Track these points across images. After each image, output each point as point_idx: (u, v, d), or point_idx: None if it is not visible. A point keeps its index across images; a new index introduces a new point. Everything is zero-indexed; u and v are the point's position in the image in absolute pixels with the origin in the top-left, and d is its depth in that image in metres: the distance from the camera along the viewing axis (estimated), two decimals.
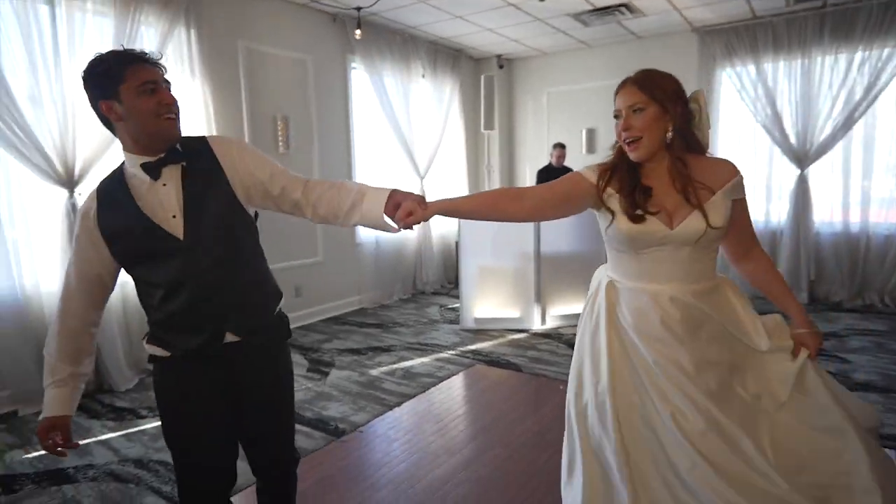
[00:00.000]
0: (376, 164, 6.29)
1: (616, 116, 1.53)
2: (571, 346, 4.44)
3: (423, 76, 6.63)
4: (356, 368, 4.18)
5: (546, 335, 4.90)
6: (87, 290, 1.53)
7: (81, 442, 3.03)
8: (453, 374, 4.02)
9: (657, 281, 1.52)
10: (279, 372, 1.69)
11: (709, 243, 1.51)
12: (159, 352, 1.55)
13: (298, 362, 4.31)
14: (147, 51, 1.48)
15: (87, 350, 1.58)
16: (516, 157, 7.94)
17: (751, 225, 1.61)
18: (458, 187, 7.23)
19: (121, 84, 1.41)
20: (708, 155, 1.56)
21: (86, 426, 3.27)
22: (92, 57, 1.44)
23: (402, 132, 6.29)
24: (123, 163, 1.53)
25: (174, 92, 1.51)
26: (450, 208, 1.60)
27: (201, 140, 1.57)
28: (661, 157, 1.51)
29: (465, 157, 7.42)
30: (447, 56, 6.97)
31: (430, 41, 6.66)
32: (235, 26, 4.72)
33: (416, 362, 4.29)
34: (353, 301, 6.05)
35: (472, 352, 4.50)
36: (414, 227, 1.56)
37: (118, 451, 2.96)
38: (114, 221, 1.47)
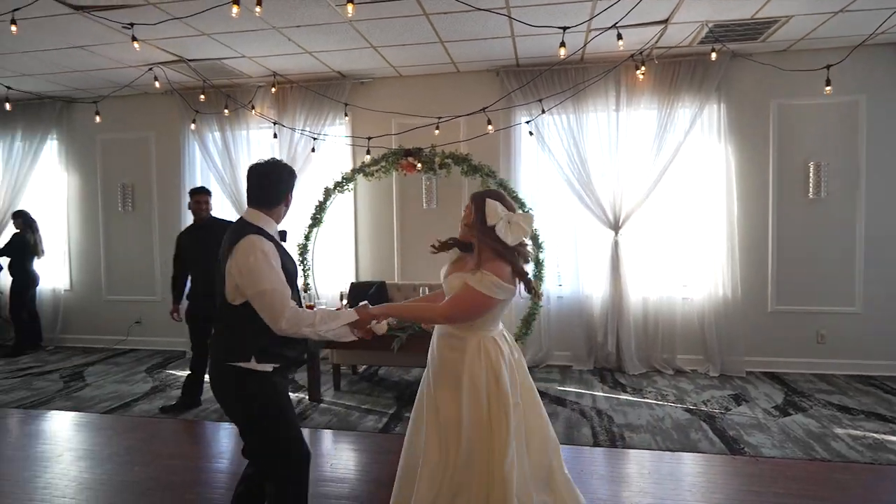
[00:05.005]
0: None
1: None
2: None
3: None
4: (824, 421, 4.05)
5: None
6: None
7: (587, 391, 4.78)
8: None
9: None
10: None
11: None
12: (269, 367, 2.10)
13: (772, 395, 4.56)
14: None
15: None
16: None
17: (454, 298, 2.23)
18: None
19: (293, 189, 2.27)
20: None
21: (598, 386, 5.01)
22: (286, 165, 2.26)
23: None
24: (260, 227, 2.14)
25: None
26: None
27: None
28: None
29: None
30: None
31: None
32: (767, 89, 5.27)
33: None
34: None
35: None
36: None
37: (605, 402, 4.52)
38: (284, 260, 2.16)
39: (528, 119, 5.36)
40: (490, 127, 5.06)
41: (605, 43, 4.61)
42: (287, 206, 2.28)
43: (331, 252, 6.07)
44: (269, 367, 2.11)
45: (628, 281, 5.45)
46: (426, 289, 4.13)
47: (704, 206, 5.38)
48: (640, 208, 5.39)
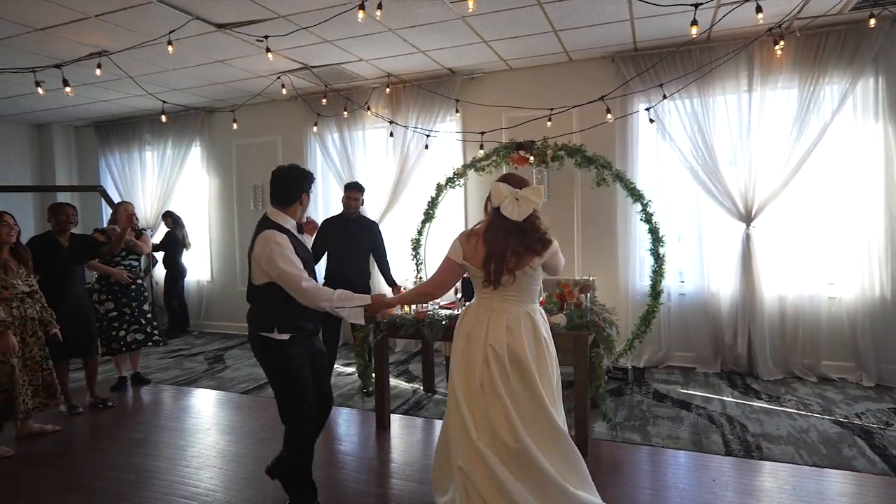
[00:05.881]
0: None
1: None
2: None
3: None
4: None
5: None
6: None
7: (709, 395, 4.45)
8: None
9: None
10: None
11: None
12: (287, 336, 2.65)
13: None
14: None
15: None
16: None
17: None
18: None
19: (309, 190, 2.79)
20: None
21: (727, 391, 4.65)
22: (304, 170, 2.75)
23: None
24: (277, 223, 2.68)
25: None
26: None
27: None
28: None
29: None
30: None
31: None
32: None
33: None
34: None
35: None
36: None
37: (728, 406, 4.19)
38: (297, 248, 2.67)
39: (647, 106, 5.06)
40: (609, 116, 4.84)
41: (736, 18, 4.24)
42: (303, 204, 2.78)
43: (443, 247, 6.14)
44: (286, 336, 2.65)
45: (762, 278, 4.97)
46: None
47: (857, 195, 4.76)
48: (776, 198, 4.89)
